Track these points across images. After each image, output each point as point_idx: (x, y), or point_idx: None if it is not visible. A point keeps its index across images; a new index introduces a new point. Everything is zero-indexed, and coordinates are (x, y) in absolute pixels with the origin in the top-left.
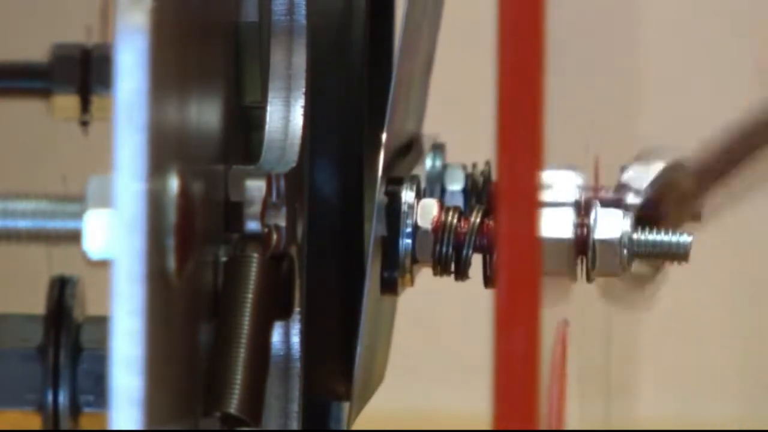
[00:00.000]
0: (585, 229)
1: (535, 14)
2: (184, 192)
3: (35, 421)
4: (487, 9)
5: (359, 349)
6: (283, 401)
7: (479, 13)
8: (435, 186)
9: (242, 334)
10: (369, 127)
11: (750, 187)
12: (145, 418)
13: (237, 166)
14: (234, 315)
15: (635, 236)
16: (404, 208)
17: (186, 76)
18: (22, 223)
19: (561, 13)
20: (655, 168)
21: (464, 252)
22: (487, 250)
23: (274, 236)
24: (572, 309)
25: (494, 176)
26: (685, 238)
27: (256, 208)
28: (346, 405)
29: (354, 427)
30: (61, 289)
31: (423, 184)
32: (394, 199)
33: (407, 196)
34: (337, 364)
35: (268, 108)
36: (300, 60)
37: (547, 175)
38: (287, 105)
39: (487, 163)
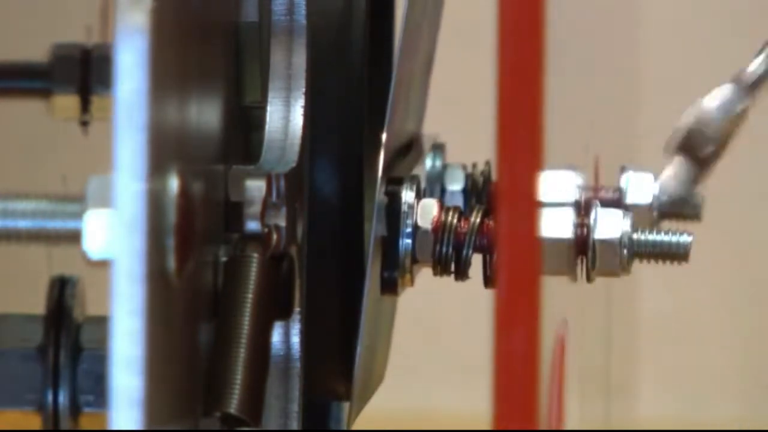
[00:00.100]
0: (585, 229)
1: (535, 14)
2: (184, 192)
3: (35, 421)
4: (487, 9)
5: (359, 349)
6: (283, 401)
7: (479, 13)
8: (435, 186)
9: (242, 334)
10: (369, 127)
11: None
12: (145, 418)
13: (237, 166)
14: (234, 315)
15: (635, 236)
16: (404, 208)
17: (186, 76)
18: (22, 223)
19: (561, 13)
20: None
21: (464, 252)
22: (487, 250)
23: (274, 236)
24: (572, 309)
25: (494, 176)
26: (685, 238)
27: (256, 208)
28: (346, 405)
29: (354, 427)
30: (61, 289)
31: (423, 184)
32: (394, 199)
33: (407, 196)
34: (337, 364)
35: (268, 108)
36: (300, 60)
37: (547, 175)
38: (287, 105)
39: (487, 163)
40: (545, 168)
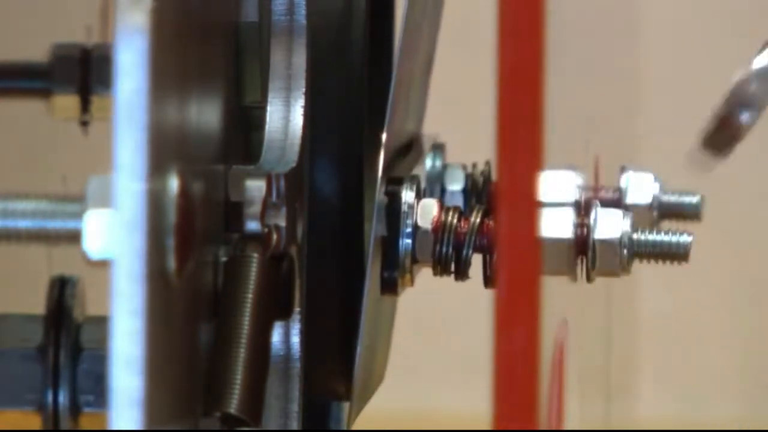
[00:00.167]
0: (585, 229)
1: (535, 14)
2: (184, 192)
3: (35, 421)
4: (487, 9)
5: (359, 349)
6: (283, 401)
7: (479, 13)
8: (435, 186)
9: (242, 334)
10: (369, 127)
11: None
12: (145, 418)
13: (237, 166)
14: (234, 315)
15: (635, 236)
16: (404, 208)
17: (186, 76)
18: (22, 223)
19: (561, 13)
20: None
21: (464, 252)
22: (487, 250)
23: (274, 236)
24: (572, 309)
25: (494, 176)
26: (685, 238)
27: (256, 208)
28: (346, 405)
29: (354, 427)
30: (61, 289)
31: (423, 184)
32: (394, 199)
33: (407, 196)
34: (337, 364)
35: (268, 108)
36: (300, 60)
37: (547, 175)
38: (287, 105)
39: (487, 163)
40: (545, 168)
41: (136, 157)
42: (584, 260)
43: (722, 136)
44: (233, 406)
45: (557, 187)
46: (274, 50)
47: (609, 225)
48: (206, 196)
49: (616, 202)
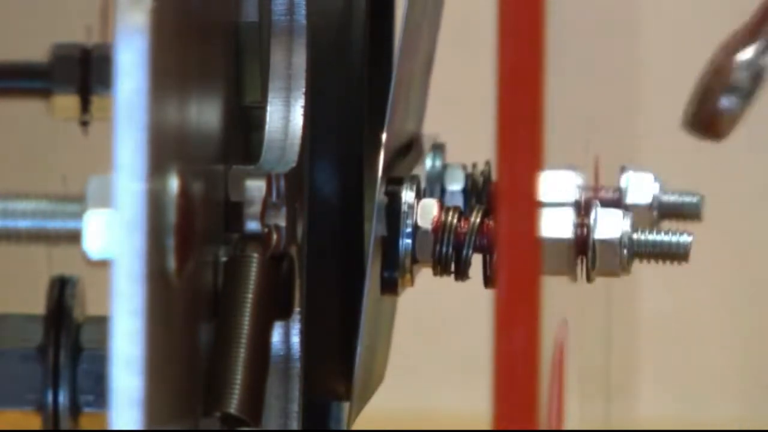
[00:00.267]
0: (585, 229)
1: (535, 14)
2: (184, 192)
3: (35, 421)
4: (487, 9)
5: (359, 349)
6: (283, 401)
7: (479, 13)
8: (435, 186)
9: (242, 334)
10: (369, 127)
11: None
12: (145, 418)
13: (237, 166)
14: (234, 315)
15: (635, 236)
16: (404, 208)
17: (186, 76)
18: (22, 223)
19: (561, 13)
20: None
21: (464, 252)
22: (487, 250)
23: (274, 236)
24: (572, 309)
25: (494, 176)
26: (685, 238)
27: (256, 208)
28: (346, 405)
29: (354, 427)
30: (61, 289)
31: (423, 184)
32: (394, 199)
33: (407, 196)
34: (337, 364)
35: (268, 108)
36: (300, 60)
37: (547, 175)
38: (287, 105)
39: (487, 163)
40: (545, 168)
41: (136, 157)
42: (584, 260)
43: (703, 116)
44: (233, 406)
45: (557, 187)
46: (274, 50)
47: (609, 225)
48: (206, 196)
49: (616, 202)
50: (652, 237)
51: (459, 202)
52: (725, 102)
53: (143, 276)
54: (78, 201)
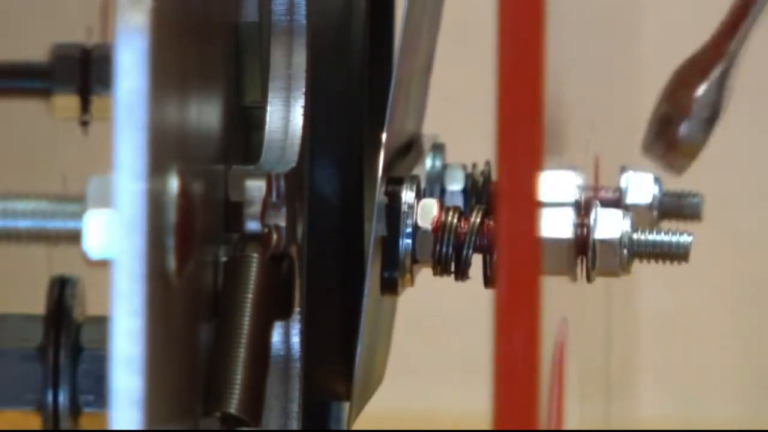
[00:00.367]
0: (585, 229)
1: (535, 14)
2: (184, 192)
3: (35, 421)
4: (487, 9)
5: (359, 349)
6: (283, 401)
7: (479, 12)
8: (435, 186)
9: (242, 334)
10: (369, 127)
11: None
12: (145, 418)
13: (237, 166)
14: (234, 315)
15: (635, 236)
16: (404, 208)
17: (186, 76)
18: (22, 223)
19: (561, 13)
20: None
21: (464, 252)
22: (487, 250)
23: (274, 236)
24: (572, 309)
25: (494, 176)
26: (685, 238)
27: (256, 208)
28: (346, 405)
29: (354, 427)
30: (61, 289)
31: (423, 184)
32: (394, 199)
33: (407, 196)
34: (337, 364)
35: (268, 108)
36: (300, 60)
37: (547, 175)
38: (287, 105)
39: (487, 163)
40: (545, 168)
41: (136, 157)
42: (584, 260)
43: (664, 146)
44: (233, 406)
45: (557, 187)
46: (274, 50)
47: (609, 225)
48: (206, 196)
49: (616, 202)
50: (652, 237)
51: (459, 202)
52: (685, 131)
53: (143, 276)
54: (78, 201)
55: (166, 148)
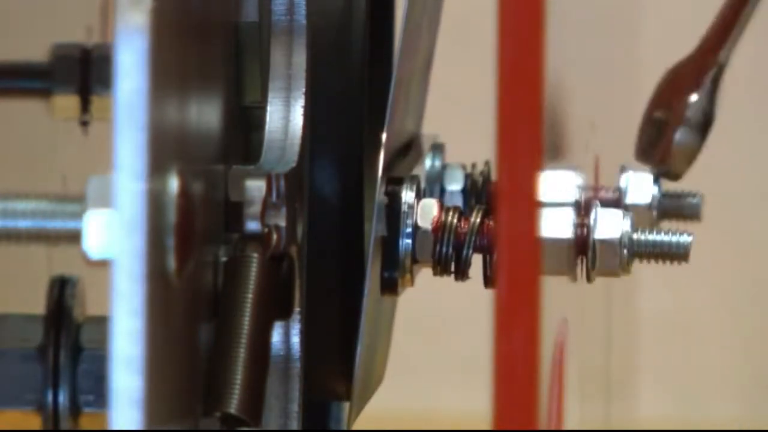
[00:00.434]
0: (585, 229)
1: (535, 14)
2: (184, 192)
3: (35, 421)
4: (487, 8)
5: (359, 349)
6: (283, 401)
7: (479, 12)
8: (435, 186)
9: (242, 334)
10: (369, 127)
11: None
12: (145, 418)
13: (237, 166)
14: (234, 315)
15: (635, 236)
16: (404, 208)
17: (186, 76)
18: (22, 223)
19: (561, 13)
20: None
21: (464, 252)
22: (487, 250)
23: (274, 236)
24: (572, 309)
25: (494, 176)
26: (685, 238)
27: (256, 208)
28: (346, 405)
29: (354, 427)
30: (61, 289)
31: (423, 184)
32: (394, 199)
33: (407, 196)
34: (337, 364)
35: (268, 108)
36: (300, 60)
37: (547, 175)
38: (287, 105)
39: (487, 163)
40: (545, 168)
41: (136, 157)
42: (584, 260)
43: (657, 150)
44: (233, 406)
45: (557, 187)
46: (274, 50)
47: (609, 225)
48: (206, 196)
49: (616, 202)
50: (652, 237)
51: (458, 202)
52: (680, 137)
53: (143, 276)
54: (78, 201)
55: (166, 148)
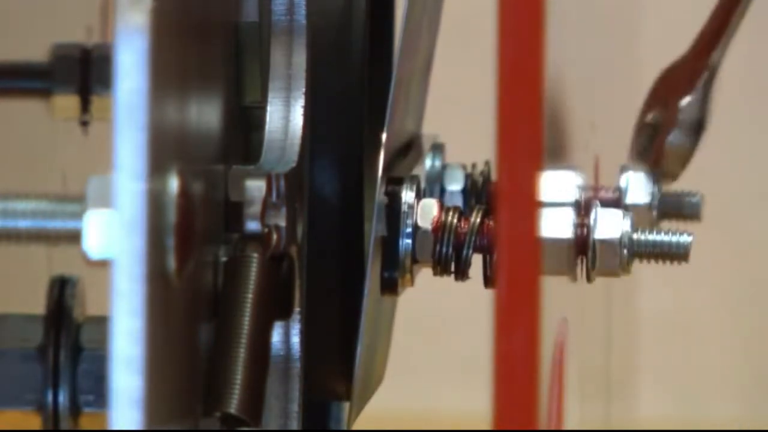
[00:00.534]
0: (585, 229)
1: (535, 14)
2: (184, 192)
3: (35, 421)
4: (487, 8)
5: (359, 349)
6: (283, 401)
7: (479, 12)
8: (435, 186)
9: (242, 334)
10: (369, 127)
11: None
12: (145, 418)
13: (237, 166)
14: (234, 315)
15: (635, 236)
16: (404, 208)
17: (186, 76)
18: (22, 223)
19: (561, 13)
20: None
21: (464, 252)
22: (487, 250)
23: (274, 236)
24: (572, 309)
25: (494, 176)
26: (685, 238)
27: (256, 208)
28: (346, 405)
29: (354, 427)
30: (61, 289)
31: (423, 184)
32: (394, 199)
33: (407, 196)
34: (337, 364)
35: (268, 108)
36: (300, 60)
37: (547, 175)
38: (287, 105)
39: (487, 163)
40: (545, 168)
41: (136, 157)
42: (584, 260)
43: (651, 153)
44: (233, 406)
45: (557, 187)
46: (274, 50)
47: (609, 225)
48: (206, 196)
49: (616, 202)
50: (652, 237)
51: (458, 202)
52: (673, 139)
53: (143, 276)
54: (78, 201)
55: (166, 148)
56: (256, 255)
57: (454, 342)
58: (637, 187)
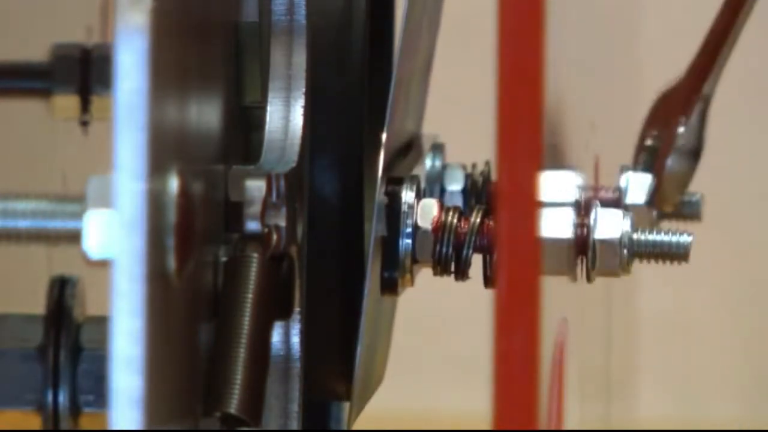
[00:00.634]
0: (585, 229)
1: (535, 14)
2: (184, 192)
3: (35, 421)
4: (487, 8)
5: (359, 349)
6: (283, 401)
7: (479, 13)
8: (435, 186)
9: (242, 334)
10: (369, 127)
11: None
12: (145, 418)
13: (237, 166)
14: (234, 315)
15: (635, 236)
16: (404, 208)
17: (186, 76)
18: (22, 223)
19: (561, 13)
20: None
21: (464, 252)
22: (487, 250)
23: (274, 236)
24: (572, 309)
25: (494, 176)
26: (685, 238)
27: (256, 208)
28: (346, 405)
29: (354, 427)
30: (61, 289)
31: (423, 184)
32: (394, 199)
33: (407, 196)
34: (337, 364)
35: (268, 108)
36: (300, 60)
37: (547, 175)
38: (287, 105)
39: (487, 163)
40: (545, 168)
41: (136, 157)
42: (584, 260)
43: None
44: (233, 406)
45: (557, 187)
46: (274, 50)
47: (609, 225)
48: (206, 196)
49: (616, 202)
50: (652, 237)
51: (459, 202)
52: (671, 164)
53: (143, 276)
54: (78, 201)
55: (166, 148)
56: (256, 255)
57: (454, 342)
58: (637, 187)
